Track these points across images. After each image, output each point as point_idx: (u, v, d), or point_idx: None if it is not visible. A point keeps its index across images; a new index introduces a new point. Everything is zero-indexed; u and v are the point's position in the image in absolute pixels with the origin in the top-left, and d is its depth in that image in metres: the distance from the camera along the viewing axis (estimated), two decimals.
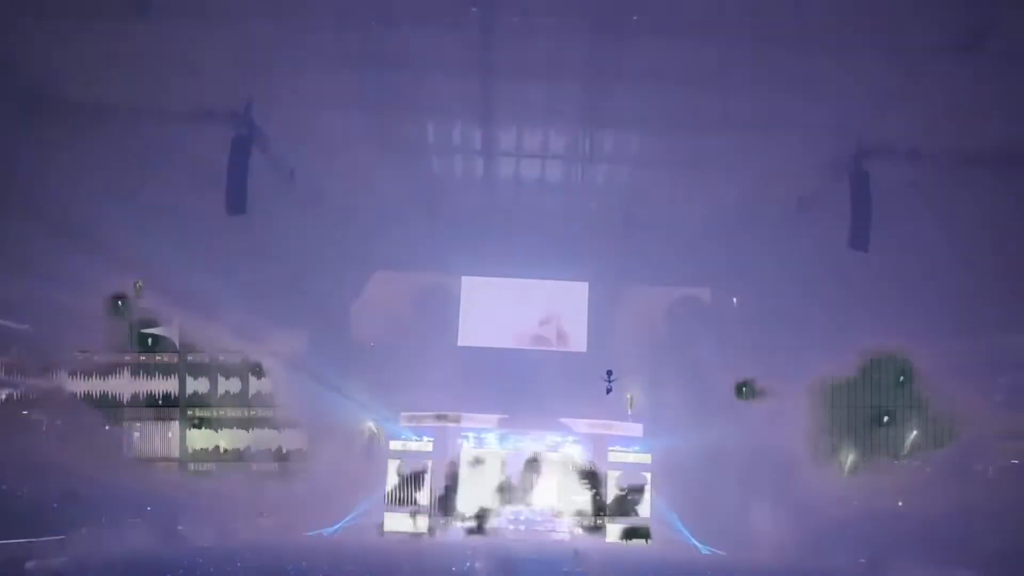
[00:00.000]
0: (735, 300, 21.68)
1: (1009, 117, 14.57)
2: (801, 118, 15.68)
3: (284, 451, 19.87)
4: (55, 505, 15.57)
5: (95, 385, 18.72)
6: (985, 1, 13.19)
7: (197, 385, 18.89)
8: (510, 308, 22.32)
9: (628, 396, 20.65)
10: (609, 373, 19.69)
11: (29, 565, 13.96)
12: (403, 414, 22.06)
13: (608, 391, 19.68)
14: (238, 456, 19.08)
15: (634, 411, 20.76)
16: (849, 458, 20.22)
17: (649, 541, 21.31)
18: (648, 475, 21.86)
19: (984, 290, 17.05)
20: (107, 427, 18.82)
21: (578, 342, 22.40)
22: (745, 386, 20.12)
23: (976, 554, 15.60)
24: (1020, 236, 16.19)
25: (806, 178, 17.91)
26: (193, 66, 14.59)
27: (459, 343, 22.34)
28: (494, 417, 22.07)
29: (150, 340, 19.21)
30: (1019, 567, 14.47)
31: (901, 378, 19.49)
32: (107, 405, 18.86)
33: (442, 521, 21.64)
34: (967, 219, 16.47)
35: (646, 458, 22.06)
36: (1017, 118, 14.48)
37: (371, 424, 21.24)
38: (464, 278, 22.53)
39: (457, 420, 22.06)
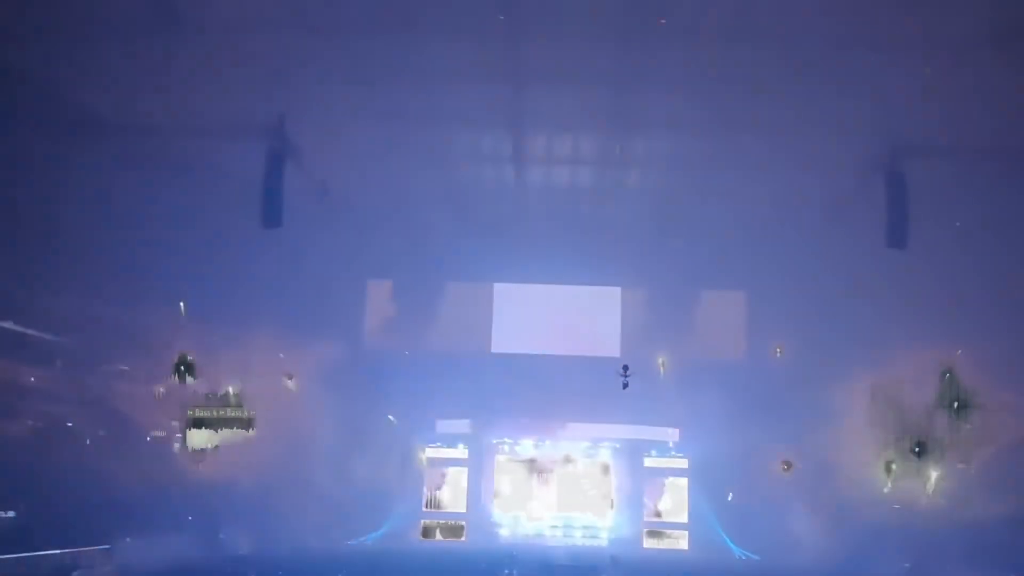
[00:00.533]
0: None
1: None
2: (835, 117, 15.50)
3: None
4: (100, 515, 15.83)
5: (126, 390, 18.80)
6: None
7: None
8: (543, 314, 22.32)
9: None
10: (625, 368, 19.46)
11: (75, 575, 14.28)
12: (438, 421, 22.19)
13: (624, 386, 19.47)
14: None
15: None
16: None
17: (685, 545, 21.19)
18: (685, 480, 21.79)
19: None
20: (148, 438, 19.08)
21: (612, 346, 22.31)
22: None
23: (1021, 560, 15.28)
24: None
25: (841, 177, 17.70)
26: (226, 81, 14.81)
27: (492, 350, 22.38)
28: (529, 423, 22.07)
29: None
30: None
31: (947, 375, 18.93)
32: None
33: (480, 527, 21.68)
34: (1006, 215, 16.15)
35: (683, 462, 21.99)
36: None
37: (391, 418, 21.37)
38: (496, 285, 22.58)
39: (490, 427, 22.10)
